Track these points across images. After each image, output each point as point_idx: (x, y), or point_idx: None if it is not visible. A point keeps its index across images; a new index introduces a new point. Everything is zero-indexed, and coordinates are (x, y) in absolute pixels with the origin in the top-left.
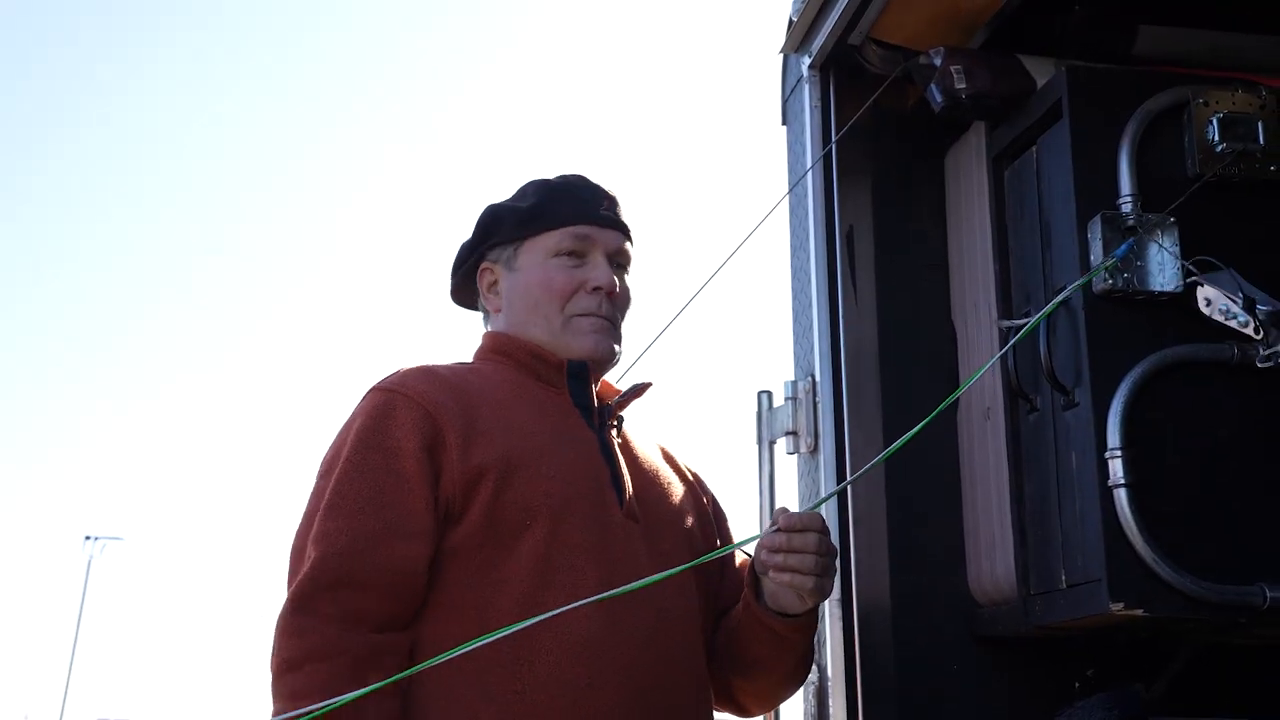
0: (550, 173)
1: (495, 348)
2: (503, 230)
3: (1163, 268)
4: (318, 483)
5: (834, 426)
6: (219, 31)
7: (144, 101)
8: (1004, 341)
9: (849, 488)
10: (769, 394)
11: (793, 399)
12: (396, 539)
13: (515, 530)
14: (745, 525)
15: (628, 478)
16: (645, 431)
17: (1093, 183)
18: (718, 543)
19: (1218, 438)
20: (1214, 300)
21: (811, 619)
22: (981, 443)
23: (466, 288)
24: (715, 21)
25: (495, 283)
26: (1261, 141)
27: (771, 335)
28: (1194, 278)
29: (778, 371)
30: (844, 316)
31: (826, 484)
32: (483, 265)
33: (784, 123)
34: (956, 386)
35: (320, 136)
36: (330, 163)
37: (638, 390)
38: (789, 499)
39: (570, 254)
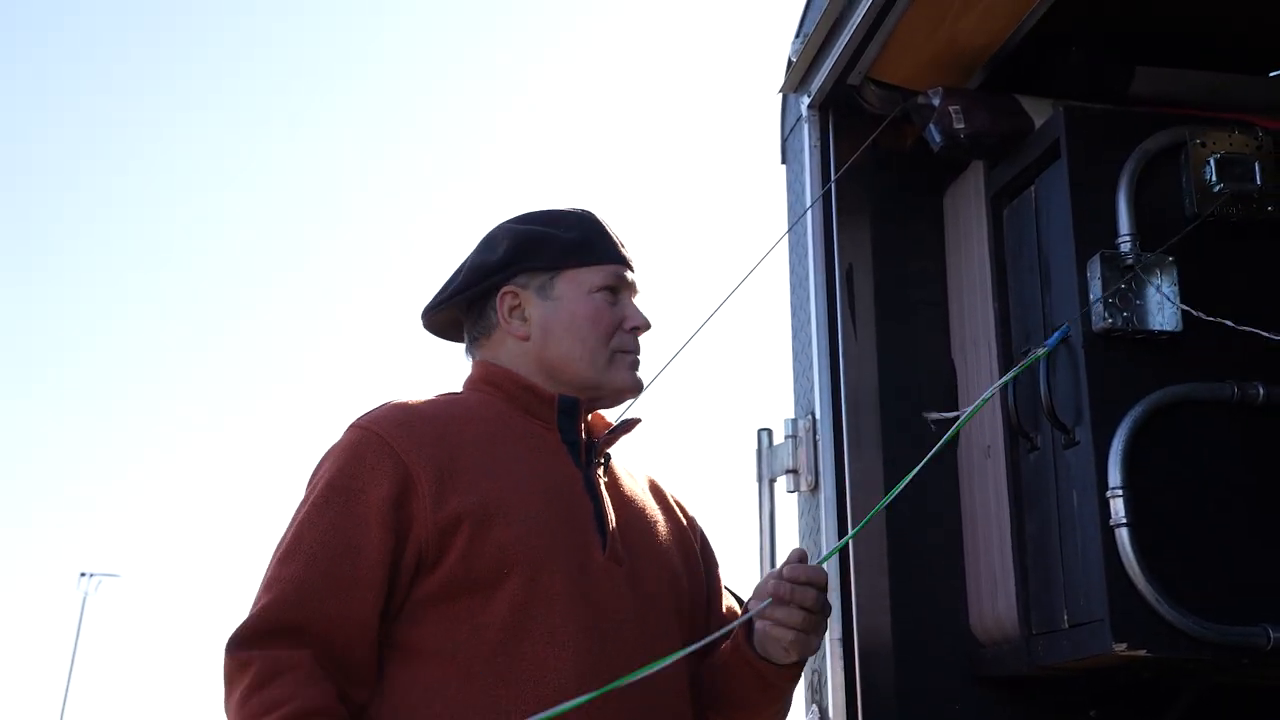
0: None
1: (486, 378)
2: (542, 256)
3: (1161, 307)
4: (290, 521)
5: (834, 464)
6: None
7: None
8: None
9: (848, 531)
10: (769, 432)
11: (793, 437)
12: (347, 589)
13: (493, 578)
14: (739, 563)
15: (612, 517)
16: (635, 464)
17: (1091, 222)
18: (703, 581)
19: (1219, 477)
20: None
21: (798, 669)
22: (982, 481)
23: (470, 310)
24: (716, 61)
25: (519, 308)
26: (1259, 182)
27: (772, 373)
28: None
29: (778, 409)
30: (844, 354)
31: (827, 522)
32: (507, 288)
33: (783, 162)
34: (956, 424)
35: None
36: (330, 252)
37: (627, 426)
38: (789, 537)
39: (610, 290)
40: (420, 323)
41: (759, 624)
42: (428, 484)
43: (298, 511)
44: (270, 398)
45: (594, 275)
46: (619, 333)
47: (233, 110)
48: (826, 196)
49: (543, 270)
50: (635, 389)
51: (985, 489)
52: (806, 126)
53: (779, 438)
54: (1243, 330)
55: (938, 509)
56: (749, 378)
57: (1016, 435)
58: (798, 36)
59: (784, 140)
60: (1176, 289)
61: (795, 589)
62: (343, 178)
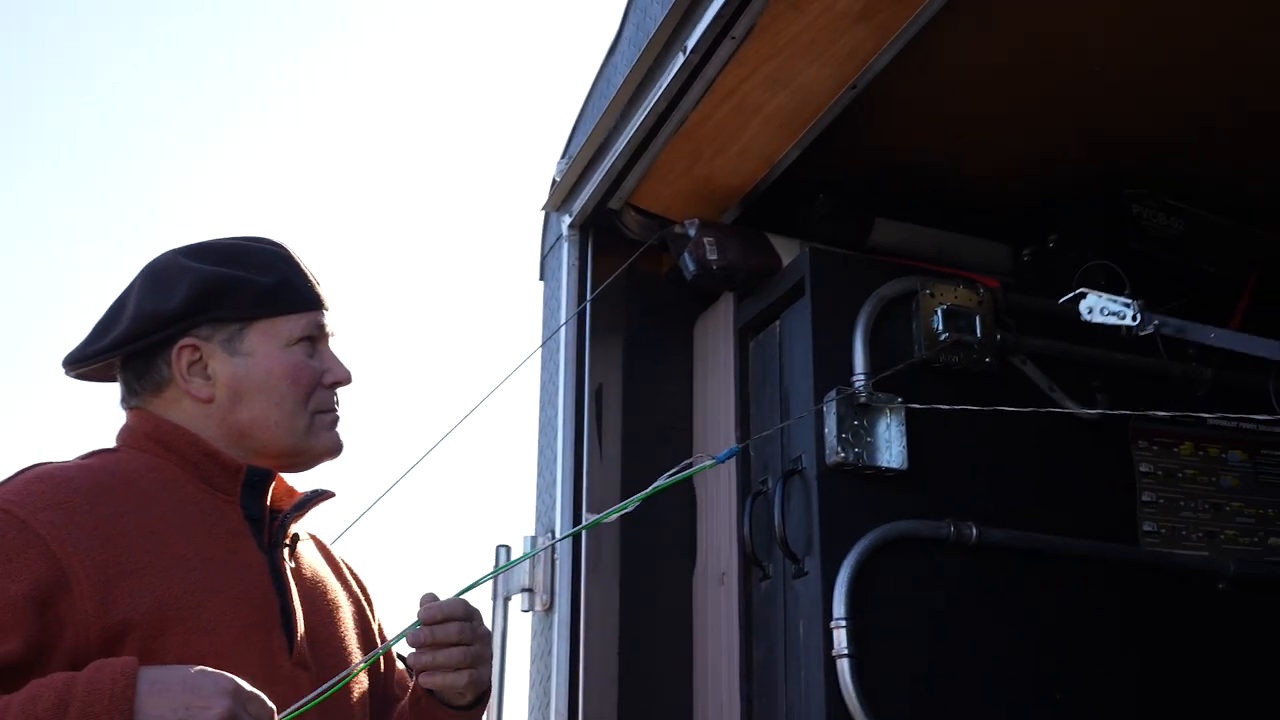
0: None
1: (156, 437)
2: (234, 304)
3: (890, 444)
4: None
5: (570, 585)
6: None
7: None
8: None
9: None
10: (507, 548)
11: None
12: None
13: None
14: None
15: (300, 614)
16: (313, 538)
17: (830, 359)
18: (381, 673)
19: (936, 612)
20: (1095, 307)
21: (478, 711)
22: (715, 608)
23: (131, 361)
24: (483, 172)
25: (200, 363)
26: (978, 334)
27: (514, 488)
28: (1081, 289)
29: (517, 525)
30: (588, 473)
31: (559, 644)
32: (186, 341)
33: (541, 278)
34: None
35: None
36: None
37: (317, 498)
38: (522, 658)
39: (308, 341)
40: (62, 370)
41: (425, 679)
42: (88, 582)
43: None
44: None
45: (292, 326)
46: (318, 390)
47: None
48: (581, 315)
49: (231, 321)
50: (337, 451)
51: (718, 616)
52: (566, 245)
53: (517, 554)
54: (962, 471)
55: (671, 635)
56: (491, 492)
57: (750, 564)
58: (563, 157)
59: (543, 257)
60: (904, 429)
61: (435, 630)
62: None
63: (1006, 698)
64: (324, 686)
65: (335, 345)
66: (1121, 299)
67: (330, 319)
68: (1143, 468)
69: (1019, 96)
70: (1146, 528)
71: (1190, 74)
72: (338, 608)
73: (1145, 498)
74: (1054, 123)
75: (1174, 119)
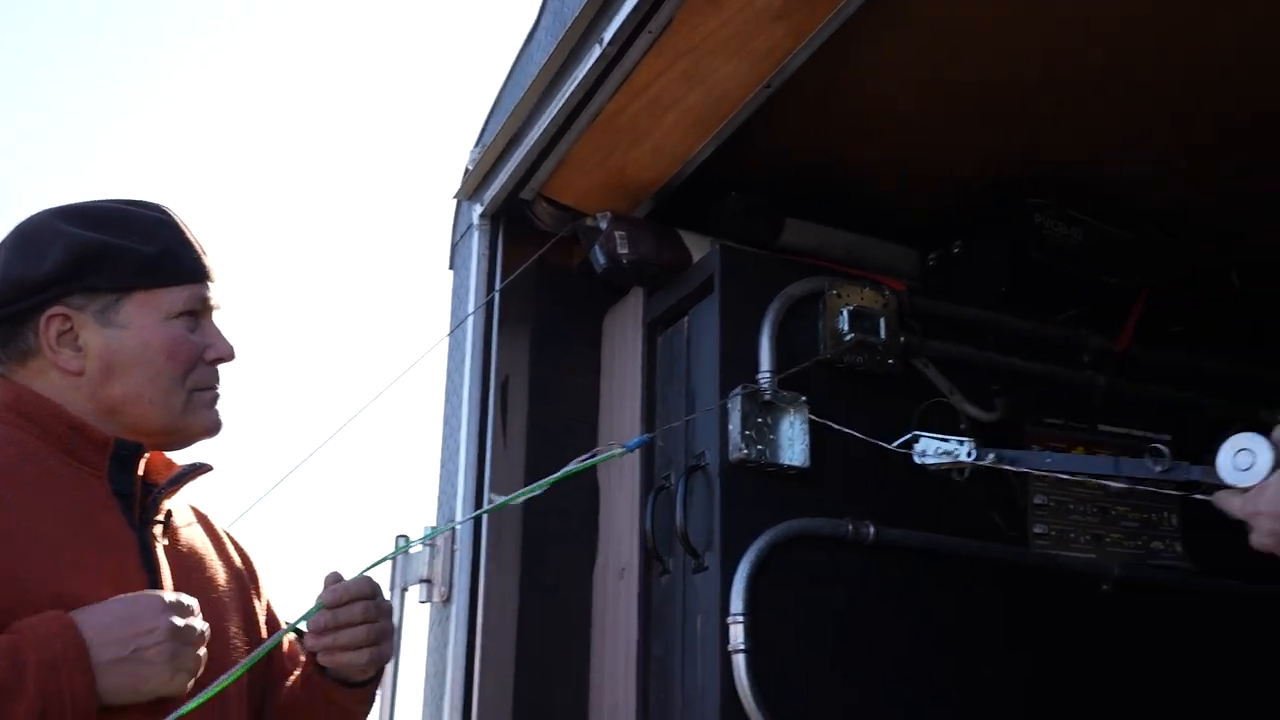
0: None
1: (18, 407)
2: (111, 273)
3: (793, 442)
4: None
5: (469, 577)
6: None
7: None
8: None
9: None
10: (406, 538)
11: (430, 545)
12: None
13: (14, 685)
14: None
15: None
16: (191, 512)
17: (737, 356)
18: (279, 661)
19: (833, 610)
20: (927, 449)
21: (374, 687)
22: (614, 602)
23: None
24: (397, 158)
25: (71, 333)
26: (882, 336)
27: (417, 479)
28: (914, 433)
29: (419, 517)
30: (491, 465)
31: (456, 636)
32: (56, 309)
33: (451, 267)
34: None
35: None
36: None
37: (193, 472)
38: (419, 650)
39: (191, 315)
40: None
41: (325, 659)
42: None
43: None
44: None
45: (173, 298)
46: (199, 365)
47: None
48: (489, 306)
49: (107, 290)
50: (215, 430)
51: (616, 610)
52: (476, 235)
53: (416, 545)
54: (863, 470)
55: (569, 627)
56: (393, 483)
57: (651, 558)
58: (477, 145)
59: (454, 246)
60: (808, 427)
61: (338, 612)
62: None
63: (903, 695)
64: (220, 680)
65: (220, 319)
66: (954, 439)
67: (215, 292)
68: None
69: (931, 101)
70: (1037, 530)
71: (1106, 83)
72: (215, 586)
73: (1037, 500)
74: (964, 129)
75: (1085, 129)
